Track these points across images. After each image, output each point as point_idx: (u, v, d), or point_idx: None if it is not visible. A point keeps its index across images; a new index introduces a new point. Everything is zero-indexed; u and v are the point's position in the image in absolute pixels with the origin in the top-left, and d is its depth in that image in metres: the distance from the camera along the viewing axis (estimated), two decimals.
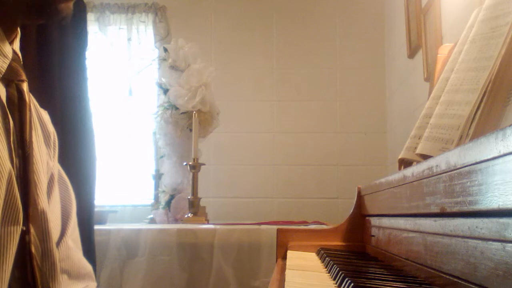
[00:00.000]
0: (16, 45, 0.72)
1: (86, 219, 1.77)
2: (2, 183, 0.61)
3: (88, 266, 0.89)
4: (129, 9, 3.58)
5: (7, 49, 0.68)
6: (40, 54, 1.75)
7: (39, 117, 0.80)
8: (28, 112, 0.70)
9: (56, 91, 1.78)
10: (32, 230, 0.67)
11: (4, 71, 0.67)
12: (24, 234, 0.66)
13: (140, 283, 2.00)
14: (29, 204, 0.67)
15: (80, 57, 1.90)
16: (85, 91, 1.89)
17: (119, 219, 2.80)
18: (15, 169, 0.66)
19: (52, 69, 1.79)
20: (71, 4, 0.70)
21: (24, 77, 0.70)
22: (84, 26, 1.93)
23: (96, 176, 1.89)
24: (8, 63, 0.67)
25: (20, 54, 0.72)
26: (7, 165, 0.62)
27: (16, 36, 0.72)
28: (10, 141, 0.66)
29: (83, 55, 1.91)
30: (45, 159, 0.78)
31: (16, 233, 0.63)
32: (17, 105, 0.68)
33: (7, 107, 0.67)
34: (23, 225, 0.66)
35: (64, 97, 1.81)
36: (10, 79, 0.68)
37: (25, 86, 0.70)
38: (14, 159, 0.66)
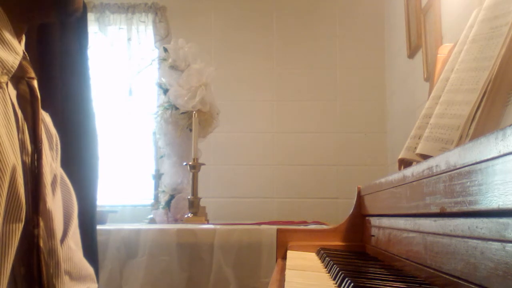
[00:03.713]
0: (23, 44, 0.73)
1: (89, 220, 1.76)
2: (5, 179, 0.61)
3: (89, 268, 0.89)
4: (129, 9, 3.58)
5: (18, 47, 0.69)
6: (42, 54, 1.74)
7: (42, 119, 0.81)
8: (39, 108, 0.71)
9: (58, 91, 1.78)
10: (41, 223, 0.67)
11: (16, 67, 0.68)
12: (33, 228, 0.66)
13: (140, 283, 2.00)
14: (39, 198, 0.68)
15: (82, 57, 1.90)
16: (88, 91, 1.89)
17: (119, 219, 2.80)
18: (24, 164, 0.66)
19: (54, 69, 1.78)
20: None
21: (33, 74, 0.72)
22: (85, 25, 1.93)
23: (98, 176, 1.88)
24: (19, 60, 0.69)
25: (26, 53, 0.73)
26: (10, 160, 0.62)
27: (23, 36, 0.74)
28: (18, 138, 0.66)
29: (85, 55, 1.91)
30: (49, 161, 0.78)
31: (18, 230, 0.63)
32: (29, 101, 0.70)
33: (19, 103, 0.68)
34: (32, 219, 0.66)
35: (67, 97, 1.81)
36: (20, 76, 0.70)
37: (35, 83, 0.72)
38: (24, 155, 0.67)
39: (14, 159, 0.63)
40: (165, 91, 2.77)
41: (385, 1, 3.52)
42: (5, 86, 0.66)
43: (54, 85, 1.76)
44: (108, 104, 3.51)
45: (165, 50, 2.87)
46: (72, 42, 1.86)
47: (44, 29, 1.75)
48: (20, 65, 0.69)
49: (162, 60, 2.90)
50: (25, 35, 0.75)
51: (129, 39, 3.57)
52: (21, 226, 0.64)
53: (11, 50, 0.67)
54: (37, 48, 1.73)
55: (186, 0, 3.65)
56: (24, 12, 0.70)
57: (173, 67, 2.79)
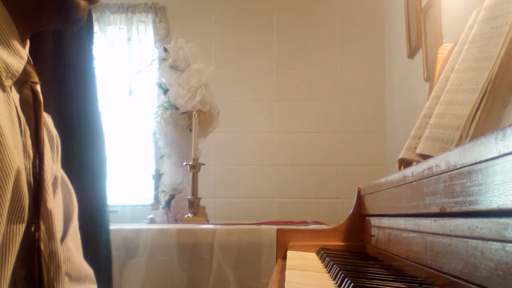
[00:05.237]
0: (27, 49, 0.74)
1: (101, 219, 1.75)
2: (9, 182, 0.62)
3: (88, 269, 0.89)
4: (129, 9, 3.58)
5: (23, 52, 0.70)
6: (56, 56, 1.75)
7: (44, 122, 0.81)
8: (42, 113, 0.72)
9: (72, 91, 1.78)
10: (42, 227, 0.68)
11: (20, 71, 0.69)
12: (34, 231, 0.67)
13: (140, 283, 2.00)
14: (40, 201, 0.68)
15: (90, 57, 1.90)
16: (95, 91, 1.89)
17: (119, 219, 2.80)
18: (25, 168, 0.67)
19: (67, 70, 1.79)
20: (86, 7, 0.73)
21: (37, 79, 0.73)
22: (91, 25, 1.93)
23: (107, 177, 1.88)
24: (24, 64, 0.70)
25: (30, 58, 0.74)
26: (15, 163, 0.63)
27: (27, 41, 0.75)
28: (21, 142, 0.67)
29: (92, 55, 1.91)
30: (50, 163, 0.79)
31: (20, 231, 0.64)
32: (32, 106, 0.71)
33: (22, 107, 0.69)
34: (34, 222, 0.67)
35: (79, 97, 1.81)
36: (23, 80, 0.71)
37: (38, 88, 0.73)
38: (26, 159, 0.67)
39: (19, 161, 0.64)
40: (165, 91, 2.77)
41: (385, 1, 3.52)
42: (9, 90, 0.67)
43: (67, 85, 1.77)
44: (108, 104, 3.51)
45: (165, 50, 2.86)
46: (82, 43, 1.86)
47: (59, 32, 1.76)
48: (24, 70, 0.70)
49: (162, 60, 2.90)
50: (40, 40, 0.76)
51: (129, 39, 3.57)
52: (23, 227, 0.64)
53: (16, 54, 0.68)
54: (52, 51, 1.73)
55: (186, 0, 3.66)
56: (30, 19, 0.72)
57: (173, 67, 2.78)
